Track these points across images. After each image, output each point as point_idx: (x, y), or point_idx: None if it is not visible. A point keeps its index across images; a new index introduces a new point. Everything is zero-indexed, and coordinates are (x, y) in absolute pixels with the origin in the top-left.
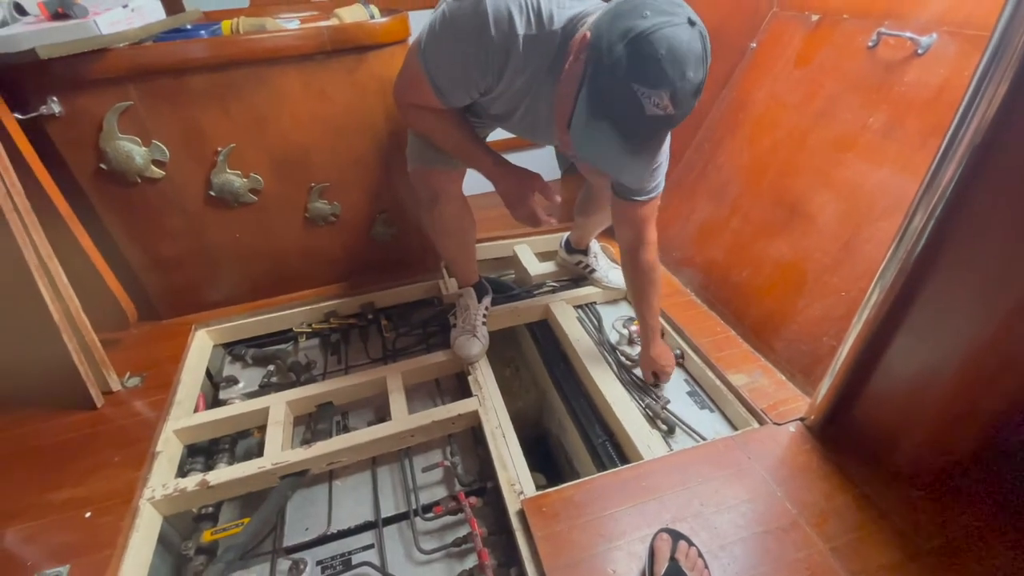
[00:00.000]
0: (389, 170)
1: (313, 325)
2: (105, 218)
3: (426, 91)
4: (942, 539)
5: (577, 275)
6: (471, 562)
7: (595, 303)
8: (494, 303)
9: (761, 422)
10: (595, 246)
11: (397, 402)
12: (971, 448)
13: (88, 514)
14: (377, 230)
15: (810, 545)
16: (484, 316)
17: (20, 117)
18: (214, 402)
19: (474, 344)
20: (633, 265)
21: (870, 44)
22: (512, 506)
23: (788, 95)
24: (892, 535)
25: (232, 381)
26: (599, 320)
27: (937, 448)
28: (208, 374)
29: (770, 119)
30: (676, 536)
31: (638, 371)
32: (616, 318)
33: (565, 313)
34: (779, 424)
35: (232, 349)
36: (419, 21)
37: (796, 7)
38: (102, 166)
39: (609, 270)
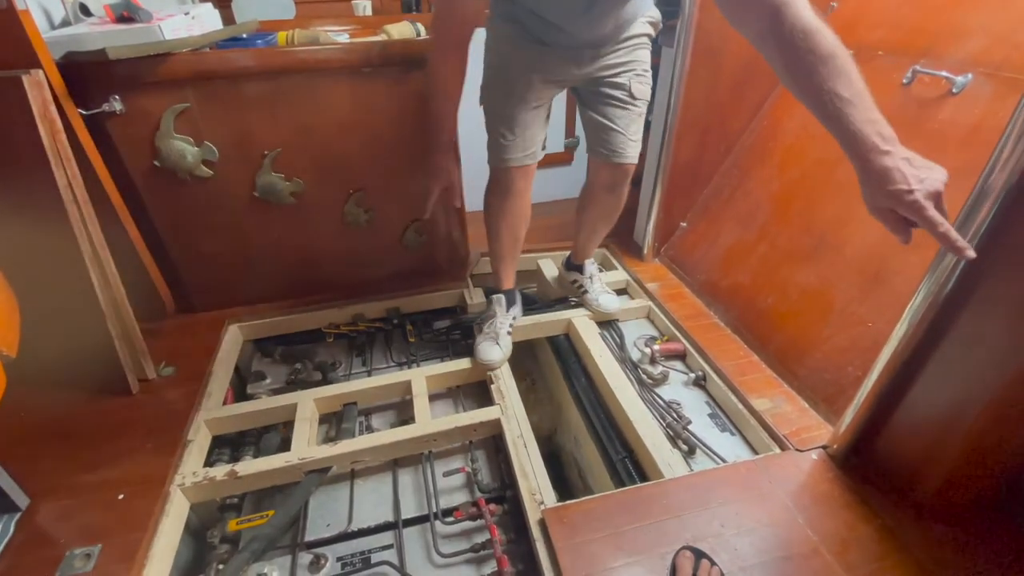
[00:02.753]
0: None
1: (341, 326)
2: (153, 212)
3: None
4: (964, 575)
5: (569, 294)
6: (490, 568)
7: (617, 320)
8: None
9: (783, 448)
10: (591, 267)
11: (421, 406)
12: (996, 484)
13: (121, 496)
14: (408, 238)
15: (831, 574)
16: (510, 326)
17: (84, 113)
18: (241, 396)
19: (495, 351)
20: (777, 41)
21: (904, 81)
22: (532, 515)
23: (819, 126)
24: (914, 568)
25: (260, 376)
26: (621, 338)
27: (962, 483)
28: (236, 369)
29: (800, 149)
30: (699, 555)
31: (663, 389)
32: (638, 336)
33: (587, 329)
34: (801, 451)
35: (261, 345)
36: None
37: None
38: (155, 163)
39: (601, 294)
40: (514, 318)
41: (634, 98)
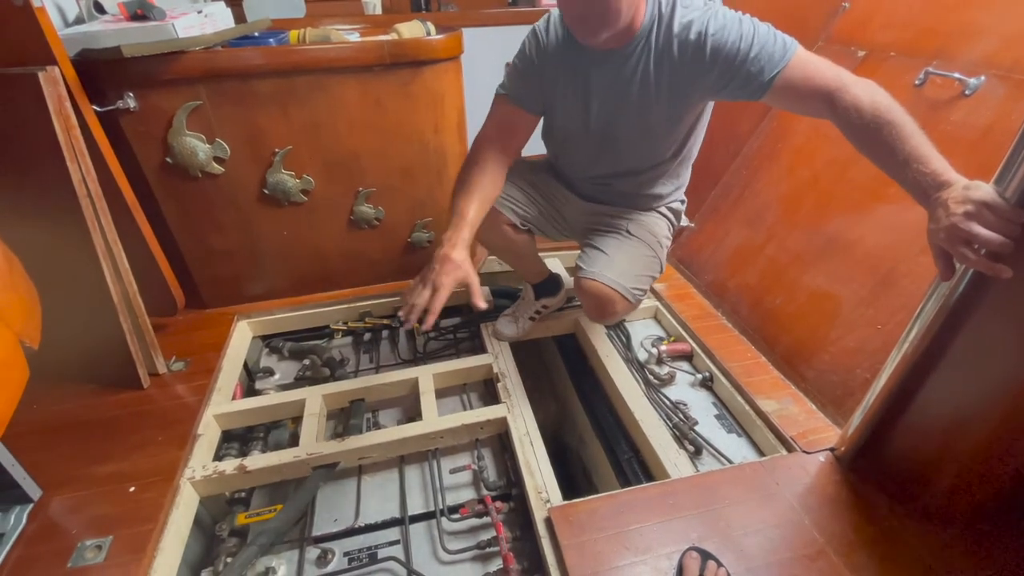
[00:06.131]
0: (433, 180)
1: (349, 323)
2: (165, 208)
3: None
4: None
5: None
6: (495, 565)
7: (624, 320)
8: None
9: (789, 449)
10: None
11: (428, 403)
12: (1006, 488)
13: (132, 489)
14: (416, 236)
15: (837, 575)
16: (536, 312)
17: (98, 109)
18: (249, 391)
19: (509, 327)
20: (837, 121)
21: (916, 82)
22: (538, 513)
23: (830, 127)
24: (920, 571)
25: (268, 372)
26: (628, 337)
27: (971, 486)
28: (244, 364)
29: (810, 150)
30: (705, 555)
31: (669, 390)
32: (645, 336)
33: (594, 328)
34: (808, 453)
35: (270, 341)
36: (472, 38)
37: (843, 42)
38: (167, 160)
39: None
40: (544, 306)
41: (630, 234)
